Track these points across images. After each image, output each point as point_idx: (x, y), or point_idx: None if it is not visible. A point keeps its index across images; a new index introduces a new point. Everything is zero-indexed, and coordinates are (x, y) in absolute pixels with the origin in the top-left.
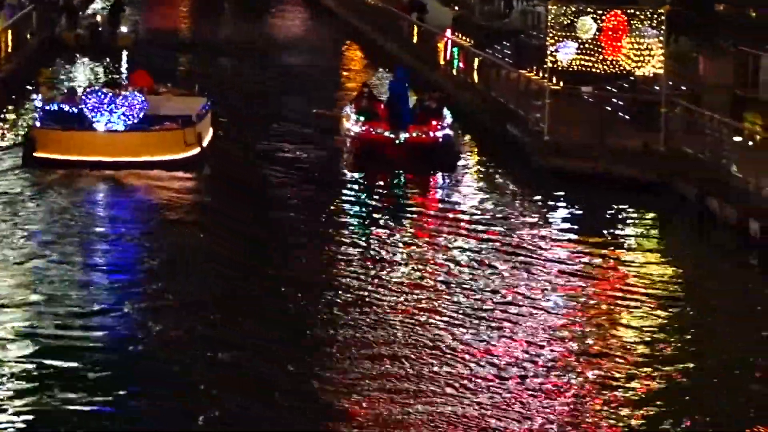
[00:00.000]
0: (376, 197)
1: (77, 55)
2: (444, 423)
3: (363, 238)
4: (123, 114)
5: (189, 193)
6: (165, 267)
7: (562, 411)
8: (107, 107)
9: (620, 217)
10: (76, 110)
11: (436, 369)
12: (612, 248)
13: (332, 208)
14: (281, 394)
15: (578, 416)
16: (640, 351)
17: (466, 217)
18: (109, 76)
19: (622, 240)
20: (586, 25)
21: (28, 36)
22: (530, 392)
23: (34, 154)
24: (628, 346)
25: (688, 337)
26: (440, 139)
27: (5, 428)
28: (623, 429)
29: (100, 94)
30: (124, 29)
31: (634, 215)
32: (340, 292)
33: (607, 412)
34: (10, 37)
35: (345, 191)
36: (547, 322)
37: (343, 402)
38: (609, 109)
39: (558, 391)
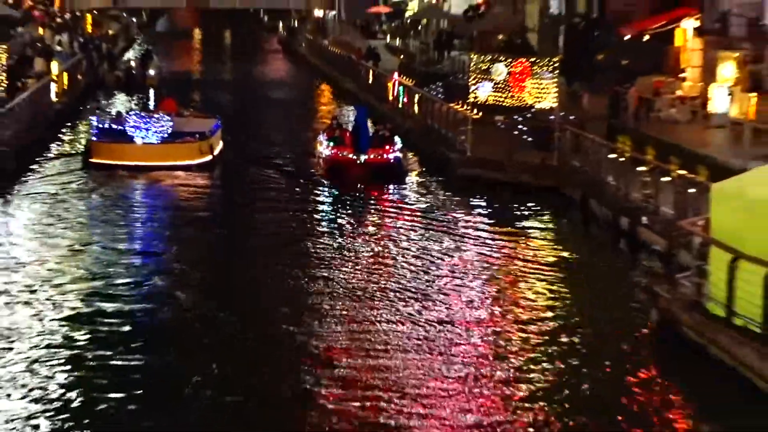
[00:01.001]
0: (343, 200)
1: (116, 92)
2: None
3: (334, 226)
4: (155, 131)
5: (203, 189)
6: (183, 244)
7: (483, 339)
8: (144, 126)
9: (524, 213)
10: (120, 128)
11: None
12: (517, 235)
13: (310, 205)
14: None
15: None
16: (536, 311)
17: (411, 214)
18: (141, 105)
19: (525, 230)
20: (499, 70)
21: (79, 77)
22: (452, 339)
23: (91, 160)
24: (527, 305)
25: (569, 300)
26: (392, 160)
27: (66, 368)
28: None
29: (138, 116)
30: (151, 72)
31: (534, 212)
32: (313, 259)
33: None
34: (65, 77)
35: (320, 194)
36: (468, 288)
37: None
38: (516, 133)
39: (481, 330)
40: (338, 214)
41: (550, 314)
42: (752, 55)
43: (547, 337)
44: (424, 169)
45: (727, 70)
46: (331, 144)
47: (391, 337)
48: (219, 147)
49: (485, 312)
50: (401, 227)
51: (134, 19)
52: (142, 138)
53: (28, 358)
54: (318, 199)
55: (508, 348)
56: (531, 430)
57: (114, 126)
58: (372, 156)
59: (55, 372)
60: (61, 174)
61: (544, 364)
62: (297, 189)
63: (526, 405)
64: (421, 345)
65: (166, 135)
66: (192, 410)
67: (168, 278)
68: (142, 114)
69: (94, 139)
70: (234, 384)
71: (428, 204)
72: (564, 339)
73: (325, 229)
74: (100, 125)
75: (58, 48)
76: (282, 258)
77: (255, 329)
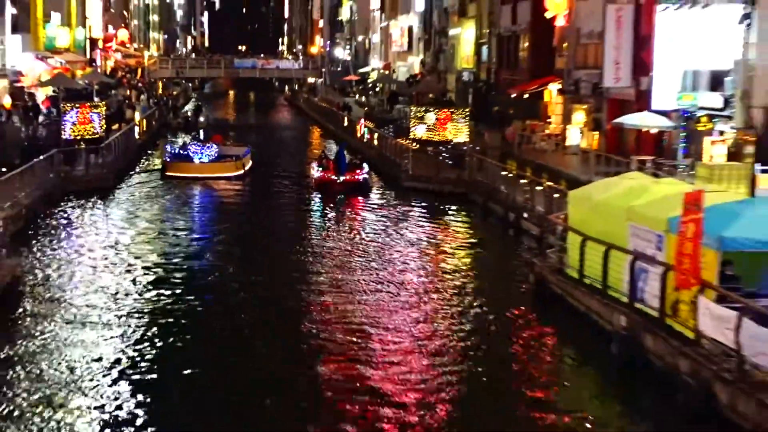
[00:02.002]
0: (328, 205)
1: (178, 132)
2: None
3: (319, 220)
4: (207, 154)
5: (238, 192)
6: (226, 230)
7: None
8: (200, 151)
9: (446, 210)
10: (185, 153)
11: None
12: (441, 224)
13: (306, 207)
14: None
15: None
16: (453, 273)
17: (373, 212)
18: (197, 139)
19: (446, 221)
20: (430, 117)
21: (153, 122)
22: (398, 288)
23: (166, 173)
24: (447, 268)
25: (476, 266)
26: (361, 180)
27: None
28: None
29: (196, 145)
30: (201, 119)
31: (452, 210)
32: (309, 241)
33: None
34: (144, 123)
35: (313, 201)
36: (410, 256)
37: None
38: (440, 158)
39: (416, 281)
40: (325, 214)
41: (462, 274)
42: (594, 106)
43: (460, 288)
44: (382, 183)
45: (578, 116)
46: (320, 169)
47: (361, 286)
48: (248, 165)
49: (421, 271)
50: (366, 220)
51: (190, 84)
52: (199, 158)
53: (127, 304)
54: (311, 204)
55: (434, 294)
56: (443, 343)
57: (180, 151)
58: (347, 177)
59: (143, 310)
60: (144, 184)
61: (457, 306)
62: (298, 196)
63: (442, 328)
64: (380, 291)
65: (214, 157)
66: (226, 327)
67: (215, 254)
68: (198, 143)
69: (167, 159)
70: (255, 311)
71: (384, 205)
72: (471, 289)
73: (316, 222)
74: (171, 151)
75: (140, 103)
76: (289, 240)
77: (273, 284)
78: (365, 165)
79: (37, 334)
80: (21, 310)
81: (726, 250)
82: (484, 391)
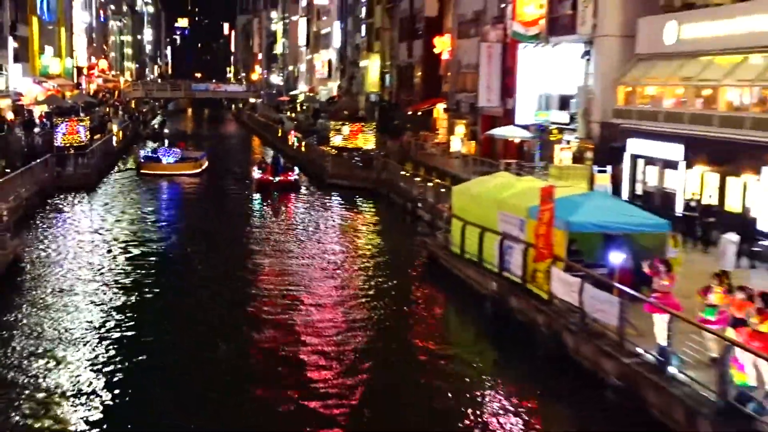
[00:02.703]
0: (266, 200)
1: (148, 140)
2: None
3: (260, 212)
4: (172, 156)
5: (197, 185)
6: (186, 216)
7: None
8: (167, 153)
9: (358, 201)
10: (155, 155)
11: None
12: (355, 211)
13: (249, 201)
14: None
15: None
16: (364, 248)
17: (302, 203)
18: (164, 145)
19: (359, 209)
20: (345, 129)
21: (127, 133)
22: (322, 261)
23: (140, 171)
24: (359, 244)
25: (381, 244)
26: (293, 180)
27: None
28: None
29: (163, 149)
30: (166, 130)
31: (364, 202)
32: (250, 226)
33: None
34: (120, 133)
35: (254, 197)
36: (331, 236)
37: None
38: (353, 160)
39: (336, 254)
40: (263, 206)
41: (371, 250)
42: (471, 121)
43: (369, 260)
44: (309, 182)
45: (459, 129)
46: (260, 171)
47: (294, 258)
48: (205, 165)
49: (339, 248)
50: (297, 210)
51: (156, 103)
52: (166, 160)
53: (108, 276)
54: (253, 198)
55: (349, 265)
56: (356, 301)
57: (151, 154)
58: (282, 178)
59: (121, 281)
60: (122, 180)
61: (367, 274)
62: (243, 191)
63: (355, 290)
64: (308, 264)
65: (178, 158)
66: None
67: (178, 234)
68: (165, 148)
69: (141, 160)
70: (210, 278)
71: (311, 198)
72: (378, 261)
73: (256, 212)
74: (145, 154)
75: (117, 118)
76: (236, 224)
77: (225, 259)
78: (296, 168)
79: (36, 299)
80: (22, 279)
81: (571, 231)
82: (387, 335)
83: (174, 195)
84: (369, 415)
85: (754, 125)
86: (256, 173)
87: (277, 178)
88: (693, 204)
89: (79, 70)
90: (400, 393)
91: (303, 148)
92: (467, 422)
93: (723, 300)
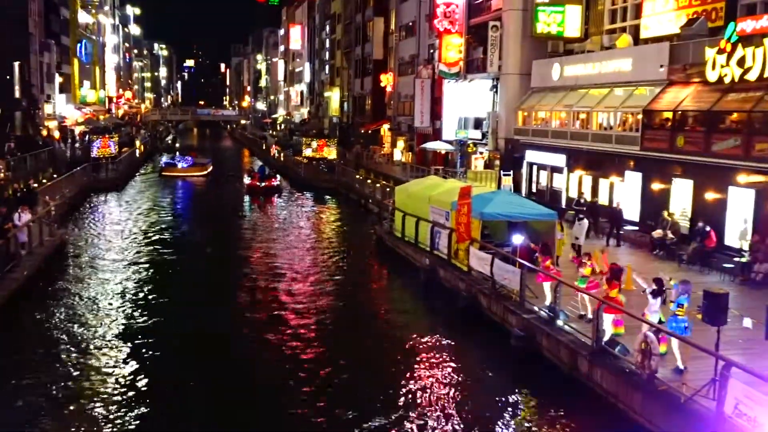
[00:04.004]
0: (254, 201)
1: (163, 152)
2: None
3: (249, 212)
4: (186, 162)
5: (205, 184)
6: (197, 208)
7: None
8: (182, 160)
9: (324, 198)
10: (172, 162)
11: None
12: (322, 206)
13: (241, 201)
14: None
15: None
16: (328, 235)
17: (283, 202)
18: (179, 154)
19: (325, 205)
20: (314, 143)
21: (148, 146)
22: (298, 246)
23: (162, 173)
24: (324, 231)
25: (341, 230)
26: (276, 185)
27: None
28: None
29: (179, 157)
30: (177, 144)
31: (329, 198)
32: (244, 221)
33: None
34: (142, 147)
35: (245, 198)
36: (304, 226)
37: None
38: (321, 167)
39: (309, 240)
40: (252, 206)
41: (334, 235)
42: (409, 137)
43: (334, 243)
44: (287, 185)
45: (400, 143)
46: (249, 178)
47: (280, 244)
48: (210, 169)
49: (311, 233)
50: (279, 207)
51: (170, 124)
52: (181, 165)
53: (134, 256)
54: (243, 200)
55: (317, 246)
56: (322, 274)
57: (170, 161)
58: (267, 183)
59: (144, 260)
60: (145, 182)
61: (330, 252)
62: (237, 192)
63: (322, 265)
64: (288, 246)
65: (190, 164)
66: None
67: (189, 225)
68: (180, 156)
69: (162, 165)
70: (215, 256)
71: (290, 197)
72: (338, 243)
73: (246, 209)
74: (164, 161)
75: (140, 136)
76: (232, 219)
77: (226, 243)
78: (278, 175)
79: (77, 273)
80: (67, 261)
81: (484, 220)
82: (346, 297)
83: (187, 191)
84: (330, 348)
85: (618, 140)
86: (246, 179)
87: (263, 183)
88: (582, 200)
89: (110, 99)
90: (353, 335)
91: (282, 158)
92: (399, 356)
93: (590, 273)
